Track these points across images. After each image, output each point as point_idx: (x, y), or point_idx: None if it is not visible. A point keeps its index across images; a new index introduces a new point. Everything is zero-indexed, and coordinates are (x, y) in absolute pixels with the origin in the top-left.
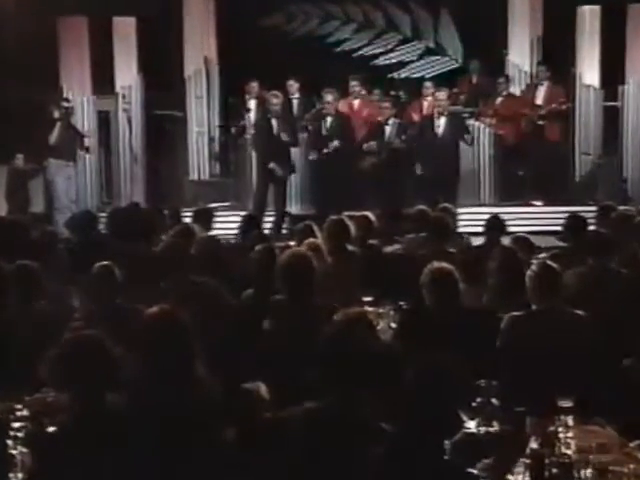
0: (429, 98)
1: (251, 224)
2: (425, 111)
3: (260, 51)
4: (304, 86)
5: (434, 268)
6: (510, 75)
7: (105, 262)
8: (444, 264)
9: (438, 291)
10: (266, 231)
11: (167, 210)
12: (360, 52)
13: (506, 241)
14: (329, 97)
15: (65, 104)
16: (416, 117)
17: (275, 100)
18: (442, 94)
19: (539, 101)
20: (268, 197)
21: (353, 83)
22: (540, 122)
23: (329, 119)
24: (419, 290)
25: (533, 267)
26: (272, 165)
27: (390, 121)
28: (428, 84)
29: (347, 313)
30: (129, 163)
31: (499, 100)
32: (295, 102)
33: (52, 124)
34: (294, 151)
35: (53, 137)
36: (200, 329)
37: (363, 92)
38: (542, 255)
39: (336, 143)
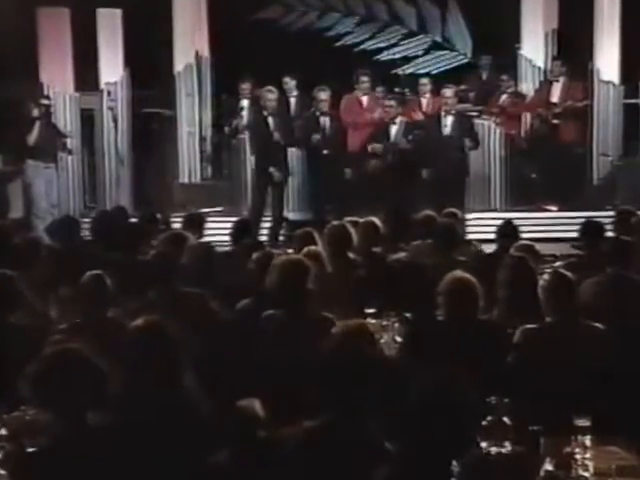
0: (427, 95)
1: (243, 230)
2: (425, 109)
3: (255, 45)
4: (302, 83)
5: (455, 278)
6: (523, 71)
7: (96, 271)
8: (467, 275)
9: (456, 303)
10: (263, 238)
11: (155, 215)
12: (362, 47)
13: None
14: (322, 95)
15: (45, 101)
16: (415, 116)
17: (270, 96)
18: (449, 91)
19: (554, 99)
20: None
21: (364, 79)
22: (555, 121)
23: (323, 119)
24: (426, 301)
25: (547, 277)
26: (271, 169)
27: (397, 120)
28: (424, 80)
29: (347, 325)
30: (114, 165)
31: (504, 98)
32: (293, 100)
33: (31, 123)
34: (292, 152)
35: (32, 137)
36: (191, 343)
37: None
38: (557, 264)
39: (317, 137)
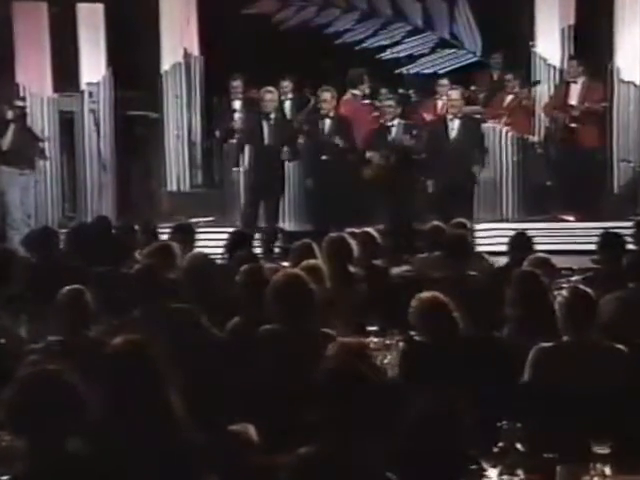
0: (444, 97)
1: (240, 242)
2: (440, 112)
3: (248, 43)
4: (298, 84)
5: (424, 298)
6: (537, 70)
7: (76, 286)
8: (435, 293)
9: (430, 325)
10: (257, 250)
11: (141, 226)
12: (363, 44)
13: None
14: (326, 96)
15: (20, 103)
16: (429, 119)
17: (269, 96)
18: (455, 93)
19: (572, 100)
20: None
21: (363, 78)
22: (572, 125)
23: (327, 121)
24: None
25: (564, 292)
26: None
27: (395, 122)
28: (444, 81)
29: (345, 344)
30: (96, 171)
31: (509, 99)
32: (288, 103)
33: (4, 126)
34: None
35: (5, 141)
36: (179, 363)
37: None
38: (574, 278)
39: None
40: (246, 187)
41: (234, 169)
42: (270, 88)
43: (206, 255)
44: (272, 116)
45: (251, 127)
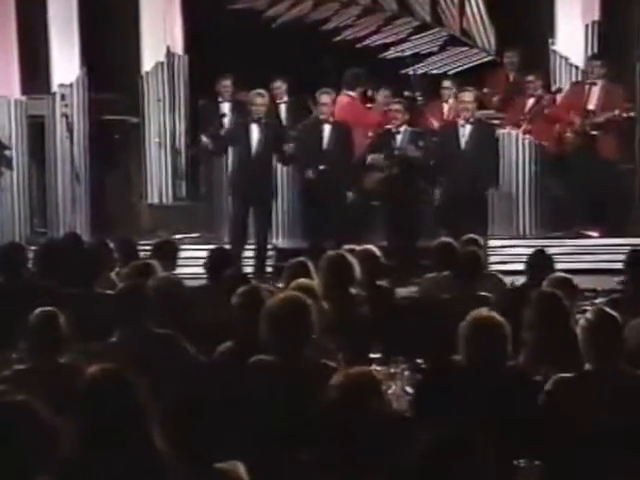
0: (450, 100)
1: (221, 261)
2: (447, 116)
3: (238, 41)
4: (293, 86)
5: (479, 317)
6: (557, 70)
7: (47, 308)
8: (493, 313)
9: (481, 348)
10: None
11: (118, 243)
12: (365, 42)
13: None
14: (325, 99)
15: None
16: (436, 124)
17: (260, 100)
18: (468, 95)
19: (592, 105)
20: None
21: (361, 78)
22: (593, 132)
23: (326, 127)
24: (441, 344)
25: (587, 316)
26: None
27: (401, 129)
28: (447, 83)
29: (348, 375)
30: (69, 182)
31: (530, 103)
32: (283, 107)
33: None
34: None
35: None
36: (161, 393)
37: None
38: (598, 300)
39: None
40: (233, 199)
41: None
42: (261, 91)
43: (174, 277)
44: (263, 121)
45: (239, 132)
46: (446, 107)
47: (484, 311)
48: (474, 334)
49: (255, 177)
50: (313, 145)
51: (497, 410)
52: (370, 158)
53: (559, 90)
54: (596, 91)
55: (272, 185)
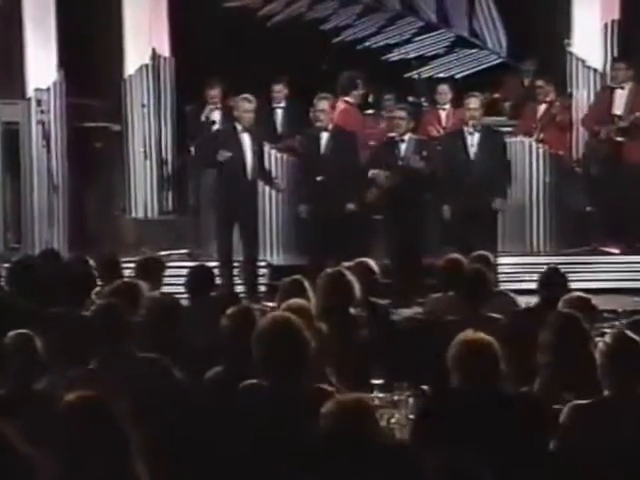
0: (447, 106)
1: (204, 280)
2: (445, 124)
3: (228, 42)
4: (290, 90)
5: (468, 339)
6: (573, 74)
7: (22, 330)
8: (481, 334)
9: (472, 372)
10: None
11: (99, 260)
12: (366, 43)
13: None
14: (324, 105)
15: None
16: (434, 132)
17: (247, 106)
18: (474, 101)
19: (617, 110)
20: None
21: (358, 82)
22: (618, 139)
23: (324, 135)
24: (448, 369)
25: (607, 339)
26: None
27: (405, 137)
28: (443, 88)
29: (340, 402)
30: (46, 194)
31: (542, 109)
32: (279, 112)
33: None
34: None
35: None
36: (145, 422)
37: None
38: (619, 322)
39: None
40: (218, 215)
41: None
42: (248, 96)
43: (170, 296)
44: (254, 128)
45: (227, 142)
46: (443, 114)
47: (469, 333)
48: (465, 358)
49: (243, 190)
50: (310, 154)
51: (505, 440)
52: (371, 173)
53: (570, 95)
54: (623, 95)
55: (255, 202)
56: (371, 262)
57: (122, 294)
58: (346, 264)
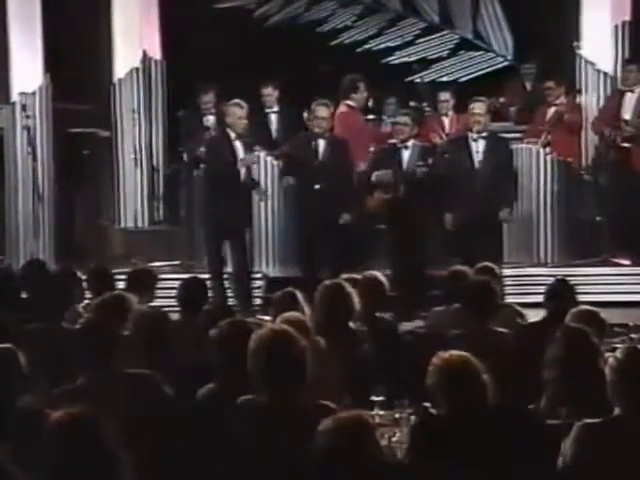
0: (450, 113)
1: (196, 292)
2: (448, 130)
3: (222, 44)
4: (286, 94)
5: (445, 364)
6: (582, 77)
7: (5, 345)
8: (455, 354)
9: (457, 399)
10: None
11: (87, 272)
12: (366, 46)
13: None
14: (322, 111)
15: None
16: (437, 139)
17: (239, 112)
18: (479, 107)
19: (626, 114)
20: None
21: (361, 86)
22: (626, 145)
23: (321, 142)
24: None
25: (617, 354)
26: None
27: (409, 144)
28: (445, 95)
29: (338, 420)
30: (31, 203)
31: (551, 112)
32: (273, 117)
33: None
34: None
35: None
36: (135, 441)
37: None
38: (630, 337)
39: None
40: (206, 225)
41: None
42: (239, 101)
43: (159, 310)
44: (246, 135)
45: (215, 148)
46: (447, 120)
47: (445, 355)
48: (448, 386)
49: (237, 200)
50: (306, 162)
51: (509, 460)
52: (375, 176)
53: (579, 92)
54: (632, 98)
55: (249, 212)
56: (379, 275)
57: (110, 308)
58: (354, 276)
